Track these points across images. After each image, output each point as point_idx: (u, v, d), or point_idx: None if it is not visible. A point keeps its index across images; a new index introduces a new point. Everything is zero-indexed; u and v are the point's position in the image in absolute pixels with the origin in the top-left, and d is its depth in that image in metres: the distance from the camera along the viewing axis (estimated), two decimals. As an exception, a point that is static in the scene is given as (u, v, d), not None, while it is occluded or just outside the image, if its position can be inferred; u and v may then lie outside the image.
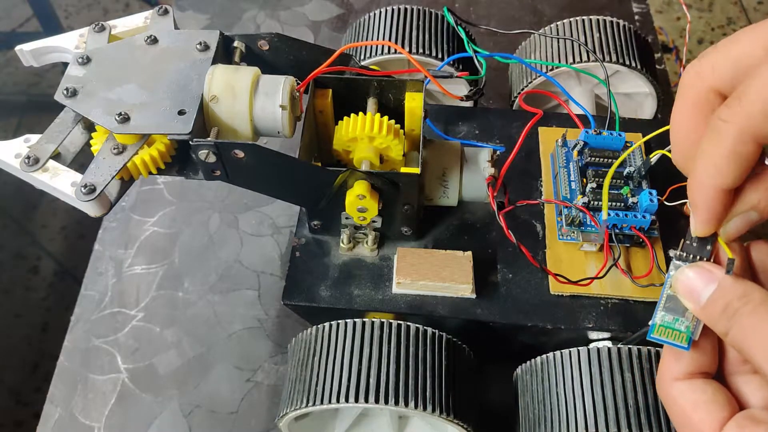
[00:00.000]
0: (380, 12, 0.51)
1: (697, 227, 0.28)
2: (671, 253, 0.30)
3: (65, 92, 0.35)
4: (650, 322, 0.30)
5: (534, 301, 0.39)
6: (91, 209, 0.34)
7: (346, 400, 0.35)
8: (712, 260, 0.29)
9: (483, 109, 0.51)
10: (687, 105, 0.27)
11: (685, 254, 0.29)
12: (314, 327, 0.39)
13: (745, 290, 0.26)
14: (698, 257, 0.29)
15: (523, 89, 0.50)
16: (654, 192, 0.38)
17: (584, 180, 0.41)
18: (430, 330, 0.37)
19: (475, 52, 0.44)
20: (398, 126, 0.38)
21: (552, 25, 0.51)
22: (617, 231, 0.38)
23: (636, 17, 0.68)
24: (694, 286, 0.28)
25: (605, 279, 0.38)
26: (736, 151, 0.24)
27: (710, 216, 0.27)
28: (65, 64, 0.37)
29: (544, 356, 0.38)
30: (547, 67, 0.49)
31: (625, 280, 0.38)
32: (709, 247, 0.29)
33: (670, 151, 0.30)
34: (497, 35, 0.54)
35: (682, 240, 0.30)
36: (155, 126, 0.34)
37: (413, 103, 0.39)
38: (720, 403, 0.27)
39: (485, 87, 0.46)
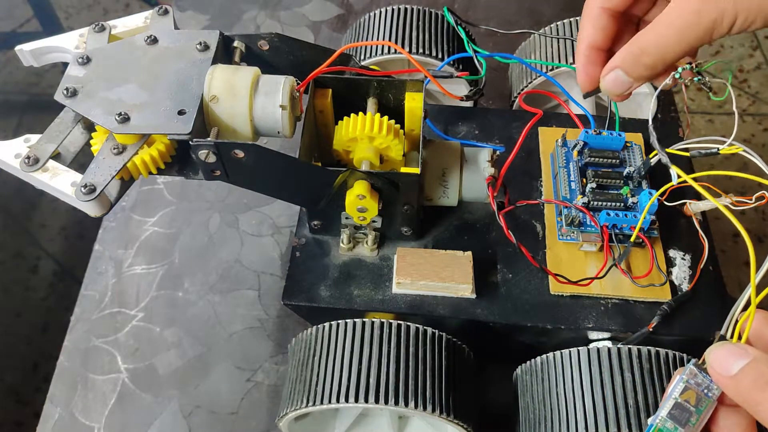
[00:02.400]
0: (380, 12, 0.51)
1: (580, 85, 0.35)
2: (692, 362, 0.30)
3: (65, 92, 0.35)
4: (650, 421, 0.30)
5: (534, 301, 0.39)
6: (91, 209, 0.34)
7: (346, 400, 0.35)
8: None
9: (483, 109, 0.51)
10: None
11: (705, 364, 0.30)
12: (314, 327, 0.39)
13: None
14: None
15: (523, 89, 0.50)
16: (654, 192, 0.38)
17: (584, 180, 0.41)
18: (430, 330, 0.37)
19: (475, 52, 0.44)
20: (398, 126, 0.38)
21: (552, 25, 0.51)
22: (617, 231, 0.38)
23: (636, 17, 0.68)
24: (727, 358, 0.28)
25: (605, 279, 0.38)
26: (594, 17, 0.34)
27: (586, 73, 0.35)
28: (65, 64, 0.37)
29: (544, 356, 0.38)
30: (547, 67, 0.49)
31: (625, 280, 0.38)
32: None
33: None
34: (497, 35, 0.54)
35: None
36: (155, 126, 0.34)
37: (413, 103, 0.39)
38: None
39: (485, 87, 0.46)
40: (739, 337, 0.30)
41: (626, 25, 0.36)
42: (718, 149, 0.34)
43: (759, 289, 0.29)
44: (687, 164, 0.44)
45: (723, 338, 0.31)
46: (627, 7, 0.34)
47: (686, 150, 0.38)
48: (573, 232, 0.40)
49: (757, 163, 0.32)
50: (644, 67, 0.32)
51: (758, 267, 0.29)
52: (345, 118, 0.38)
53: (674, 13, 0.30)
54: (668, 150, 0.38)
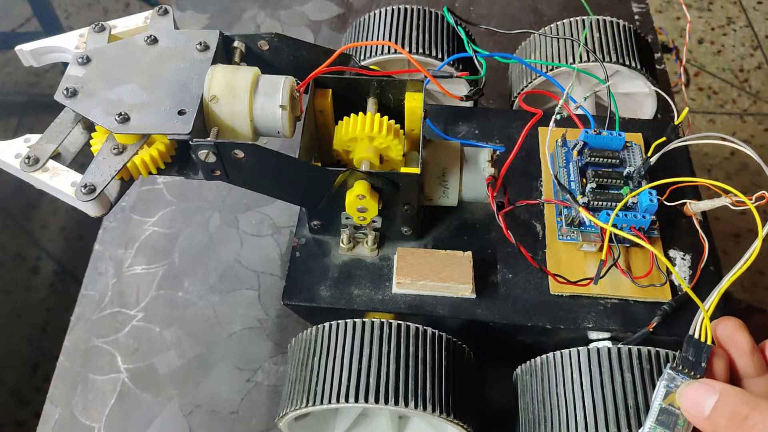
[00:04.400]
0: (380, 12, 0.51)
1: None
2: (668, 366, 0.31)
3: (65, 92, 0.35)
4: None
5: (534, 301, 0.39)
6: (91, 209, 0.34)
7: (346, 400, 0.35)
8: (705, 376, 0.31)
9: (483, 109, 0.51)
10: None
11: (680, 367, 0.31)
12: (314, 327, 0.39)
13: (747, 397, 0.28)
14: (693, 372, 0.31)
15: (523, 89, 0.50)
16: (654, 192, 0.38)
17: (584, 180, 0.41)
18: (430, 330, 0.37)
19: (475, 52, 0.44)
20: (398, 126, 0.38)
21: (552, 25, 0.51)
22: (616, 231, 0.38)
23: (636, 17, 0.68)
24: (697, 398, 0.29)
25: (605, 279, 0.38)
26: None
27: None
28: (65, 64, 0.37)
29: (544, 356, 0.38)
30: (547, 67, 0.49)
31: (624, 280, 0.38)
32: (703, 364, 0.31)
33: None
34: (497, 35, 0.54)
35: (678, 351, 0.31)
36: (155, 126, 0.34)
37: (413, 103, 0.39)
38: None
39: (485, 87, 0.46)
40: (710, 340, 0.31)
41: None
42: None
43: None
44: (687, 164, 0.44)
45: (691, 338, 0.31)
46: None
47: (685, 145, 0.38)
48: (573, 232, 0.40)
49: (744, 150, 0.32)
50: None
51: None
52: (345, 118, 0.38)
53: None
54: (659, 141, 0.38)
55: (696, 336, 0.31)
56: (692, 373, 0.30)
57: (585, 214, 0.37)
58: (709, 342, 0.31)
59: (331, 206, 0.38)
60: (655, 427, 0.30)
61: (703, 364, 0.31)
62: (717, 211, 0.39)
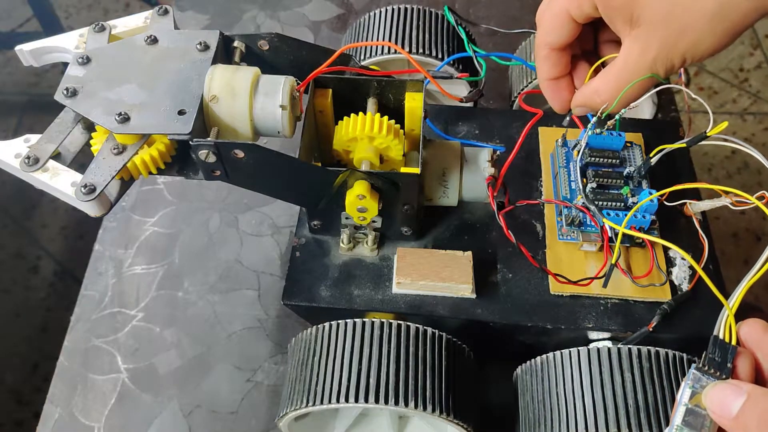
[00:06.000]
0: (380, 12, 0.51)
1: (557, 110, 0.38)
2: (693, 367, 0.31)
3: (65, 92, 0.35)
4: None
5: (534, 301, 0.39)
6: (91, 209, 0.34)
7: (346, 400, 0.35)
8: (731, 376, 0.30)
9: (483, 109, 0.51)
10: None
11: (706, 367, 0.30)
12: (314, 327, 0.39)
13: None
14: (719, 373, 0.30)
15: (523, 89, 0.50)
16: (654, 192, 0.38)
17: (584, 180, 0.41)
18: (430, 330, 0.37)
19: (475, 52, 0.44)
20: (398, 126, 0.38)
21: (552, 25, 0.51)
22: (617, 231, 0.38)
23: (636, 17, 0.68)
24: (723, 399, 0.29)
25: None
26: (545, 56, 0.36)
27: (557, 101, 0.37)
28: (65, 64, 0.37)
29: (544, 356, 0.38)
30: (547, 67, 0.49)
31: (625, 280, 0.38)
32: (729, 365, 0.30)
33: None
34: (497, 35, 0.54)
35: (704, 353, 0.31)
36: (155, 126, 0.34)
37: (413, 103, 0.39)
38: None
39: (485, 87, 0.46)
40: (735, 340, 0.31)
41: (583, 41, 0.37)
42: (705, 132, 0.34)
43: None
44: (687, 165, 0.44)
45: (717, 338, 0.31)
46: (572, 41, 0.36)
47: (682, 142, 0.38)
48: (573, 232, 0.40)
49: (749, 151, 0.32)
50: (606, 108, 0.35)
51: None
52: (345, 118, 0.38)
53: (630, 65, 0.33)
54: (666, 146, 0.38)
55: (720, 336, 0.31)
56: (718, 373, 0.30)
57: (626, 231, 0.37)
58: (734, 342, 0.31)
59: (331, 206, 0.38)
60: (681, 428, 0.30)
61: (730, 365, 0.30)
62: (716, 211, 0.39)
